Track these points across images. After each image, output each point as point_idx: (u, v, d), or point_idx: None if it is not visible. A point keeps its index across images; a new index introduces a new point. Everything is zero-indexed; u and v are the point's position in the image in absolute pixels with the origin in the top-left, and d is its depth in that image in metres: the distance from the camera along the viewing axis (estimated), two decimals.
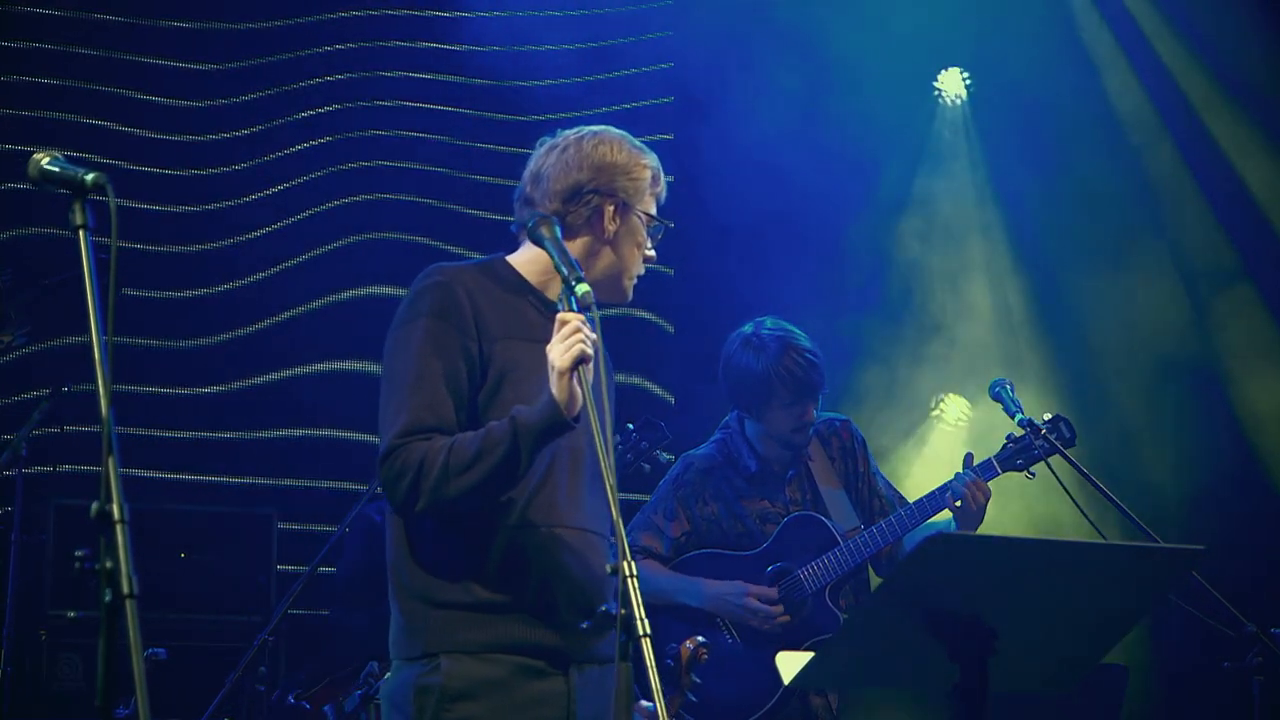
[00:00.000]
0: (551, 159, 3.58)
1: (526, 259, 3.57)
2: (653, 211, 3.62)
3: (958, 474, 5.00)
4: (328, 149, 7.48)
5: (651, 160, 3.63)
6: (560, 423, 3.22)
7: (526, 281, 3.54)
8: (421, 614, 3.36)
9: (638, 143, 3.65)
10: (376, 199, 7.46)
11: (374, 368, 6.85)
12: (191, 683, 5.72)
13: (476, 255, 3.73)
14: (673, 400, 7.59)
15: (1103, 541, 4.33)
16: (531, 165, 3.62)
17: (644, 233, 3.60)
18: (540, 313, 3.51)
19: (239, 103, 7.43)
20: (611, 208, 3.55)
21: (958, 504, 4.91)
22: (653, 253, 3.65)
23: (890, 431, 7.68)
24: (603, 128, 3.65)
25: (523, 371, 3.40)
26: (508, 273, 3.56)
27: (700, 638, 4.39)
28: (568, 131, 3.66)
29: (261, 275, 7.34)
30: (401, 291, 3.57)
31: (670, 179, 3.71)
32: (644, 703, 3.61)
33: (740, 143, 7.31)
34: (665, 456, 7.23)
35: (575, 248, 3.51)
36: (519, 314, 3.48)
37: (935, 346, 7.82)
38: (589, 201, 3.55)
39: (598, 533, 3.51)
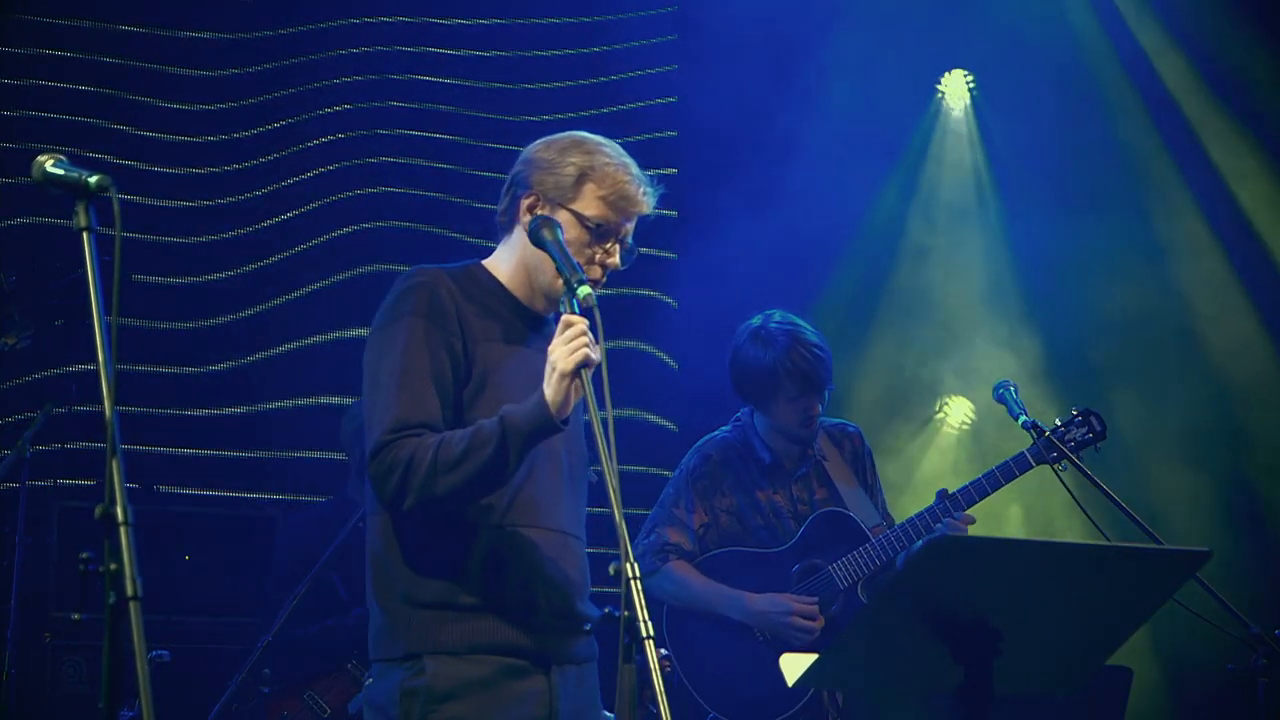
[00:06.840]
0: None
1: (501, 264, 3.55)
2: (590, 213, 3.44)
3: (935, 508, 4.97)
4: (336, 145, 7.52)
5: (583, 160, 3.45)
6: (549, 424, 3.21)
7: (504, 287, 3.52)
8: (404, 614, 3.36)
9: (597, 144, 3.49)
10: (381, 192, 7.49)
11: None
12: (195, 685, 5.71)
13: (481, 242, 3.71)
14: (676, 366, 7.62)
15: (1108, 543, 4.31)
16: None
17: (578, 231, 3.43)
18: (517, 317, 3.50)
19: (250, 105, 7.47)
20: (528, 200, 3.48)
21: None
22: (609, 260, 3.46)
23: (893, 429, 7.68)
24: (584, 134, 3.54)
25: (503, 375, 3.40)
26: (486, 278, 3.54)
27: (664, 650, 4.25)
28: None
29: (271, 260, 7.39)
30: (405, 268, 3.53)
31: (662, 186, 3.57)
32: (606, 713, 3.59)
33: (744, 138, 7.32)
34: (665, 425, 7.26)
35: (504, 247, 3.53)
36: (498, 318, 3.47)
37: (938, 345, 7.82)
38: (509, 193, 3.53)
39: (575, 535, 3.50)
